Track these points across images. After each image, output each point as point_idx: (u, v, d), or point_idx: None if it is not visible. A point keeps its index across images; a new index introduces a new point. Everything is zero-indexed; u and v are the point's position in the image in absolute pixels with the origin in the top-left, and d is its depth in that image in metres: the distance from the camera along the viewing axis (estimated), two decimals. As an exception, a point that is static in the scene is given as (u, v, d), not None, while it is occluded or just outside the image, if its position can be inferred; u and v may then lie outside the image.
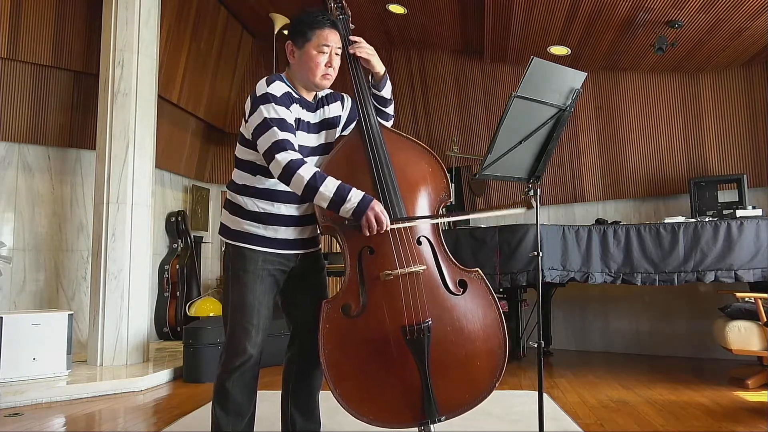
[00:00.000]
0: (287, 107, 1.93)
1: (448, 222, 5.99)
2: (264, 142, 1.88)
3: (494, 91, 5.81)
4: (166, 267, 5.73)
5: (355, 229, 1.88)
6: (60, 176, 4.87)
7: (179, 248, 5.86)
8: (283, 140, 1.87)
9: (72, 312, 3.92)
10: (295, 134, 1.93)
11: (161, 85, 4.82)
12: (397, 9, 5.28)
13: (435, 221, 2.06)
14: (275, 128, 1.87)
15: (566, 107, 2.24)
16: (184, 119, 5.88)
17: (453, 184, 5.95)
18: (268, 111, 1.90)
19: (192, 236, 5.98)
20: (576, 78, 2.23)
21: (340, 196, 1.84)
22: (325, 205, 1.85)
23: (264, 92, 1.93)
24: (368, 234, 1.86)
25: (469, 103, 5.94)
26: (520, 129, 2.22)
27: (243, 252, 1.99)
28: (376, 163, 2.02)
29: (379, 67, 2.14)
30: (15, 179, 4.61)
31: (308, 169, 1.85)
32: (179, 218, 5.88)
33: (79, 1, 4.76)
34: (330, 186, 1.84)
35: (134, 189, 4.28)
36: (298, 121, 1.99)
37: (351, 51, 2.10)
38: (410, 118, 6.23)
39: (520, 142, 2.24)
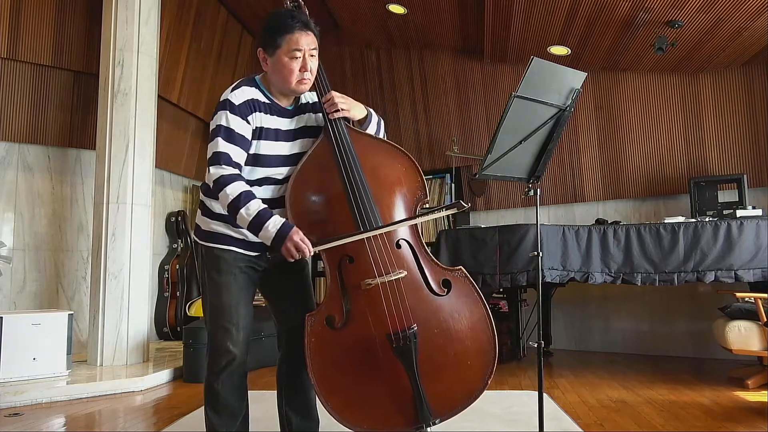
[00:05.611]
0: (244, 116, 1.88)
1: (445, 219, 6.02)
2: (208, 151, 1.87)
3: (494, 91, 5.81)
4: (166, 267, 5.73)
5: (277, 260, 1.85)
6: (60, 176, 4.86)
7: (179, 248, 5.87)
8: (220, 153, 1.83)
9: (72, 312, 3.91)
10: (244, 146, 1.88)
11: (161, 85, 4.81)
12: (397, 9, 5.28)
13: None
14: (219, 138, 1.84)
15: (566, 107, 2.24)
16: (184, 119, 5.88)
17: (453, 184, 5.96)
18: (221, 118, 1.87)
19: (192, 236, 5.97)
20: (576, 78, 2.23)
21: (258, 222, 1.78)
22: (245, 227, 1.82)
23: (225, 98, 1.90)
24: (292, 260, 1.82)
25: (469, 103, 5.94)
26: (520, 129, 2.22)
27: (214, 252, 1.96)
28: (346, 168, 1.96)
29: (360, 115, 2.08)
30: (15, 179, 4.61)
31: (235, 187, 1.80)
32: (179, 218, 5.88)
33: (79, 1, 4.76)
34: (252, 209, 1.79)
35: (134, 189, 4.28)
36: (260, 129, 1.92)
37: (329, 116, 1.99)
38: (410, 118, 6.23)
39: (520, 142, 2.24)
